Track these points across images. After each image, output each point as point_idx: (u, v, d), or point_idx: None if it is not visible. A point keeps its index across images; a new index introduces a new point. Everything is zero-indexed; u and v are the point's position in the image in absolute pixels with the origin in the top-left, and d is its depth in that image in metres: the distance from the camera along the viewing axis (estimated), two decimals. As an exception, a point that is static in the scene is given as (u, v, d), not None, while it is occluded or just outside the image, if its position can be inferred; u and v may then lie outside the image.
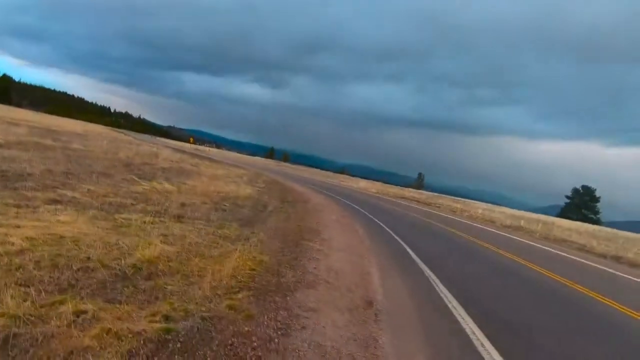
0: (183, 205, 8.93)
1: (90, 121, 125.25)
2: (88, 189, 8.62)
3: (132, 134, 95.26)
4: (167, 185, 12.00)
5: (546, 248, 13.74)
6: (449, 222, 17.02)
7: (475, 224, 19.33)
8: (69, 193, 7.65)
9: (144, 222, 6.25)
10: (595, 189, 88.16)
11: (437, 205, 32.07)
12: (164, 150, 36.21)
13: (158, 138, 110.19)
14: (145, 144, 45.80)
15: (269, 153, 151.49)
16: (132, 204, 7.98)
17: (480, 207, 40.66)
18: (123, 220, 6.09)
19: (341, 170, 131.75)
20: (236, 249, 5.25)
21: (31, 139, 19.86)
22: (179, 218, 7.34)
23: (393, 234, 9.49)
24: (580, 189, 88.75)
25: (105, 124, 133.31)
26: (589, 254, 15.39)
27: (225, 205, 10.09)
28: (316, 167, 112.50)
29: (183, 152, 44.07)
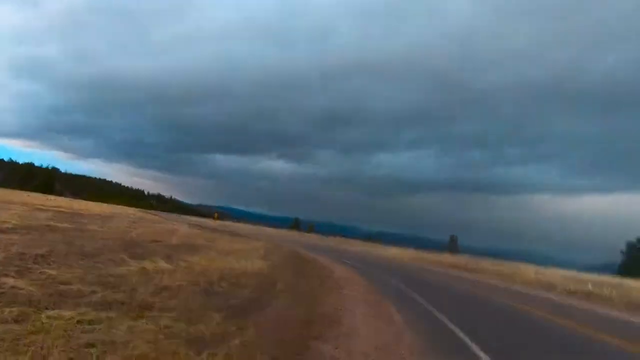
0: (163, 289, 6.99)
1: (125, 204, 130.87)
2: (48, 275, 6.92)
3: (162, 213, 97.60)
4: (162, 265, 10.19)
5: None
6: (505, 294, 13.95)
7: (537, 293, 15.99)
8: (11, 281, 5.95)
9: (78, 323, 4.33)
10: (653, 240, 79.56)
11: (481, 270, 28.29)
12: (183, 227, 35.24)
13: (184, 216, 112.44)
14: (169, 222, 45.47)
15: (294, 224, 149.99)
16: (92, 293, 6.14)
17: (529, 269, 36.00)
18: (46, 322, 4.20)
19: (369, 237, 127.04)
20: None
21: (46, 223, 19.22)
22: (143, 310, 5.38)
23: (443, 318, 6.93)
24: (636, 242, 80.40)
25: (139, 207, 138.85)
26: None
27: (221, 286, 8.06)
28: (343, 236, 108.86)
29: (204, 228, 43.13)
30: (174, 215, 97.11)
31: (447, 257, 44.84)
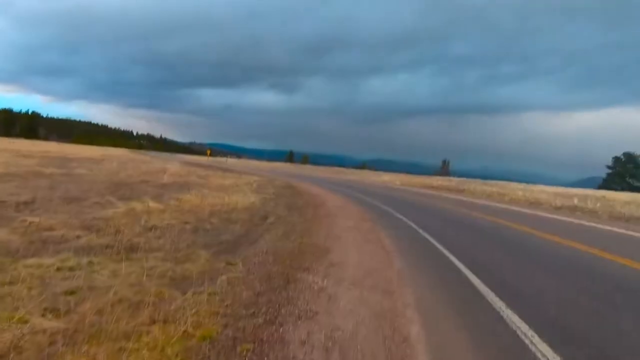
0: (151, 229, 6.88)
1: (115, 146, 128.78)
2: (30, 222, 6.73)
3: (152, 153, 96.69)
4: (151, 204, 10.04)
5: None
6: (493, 211, 14.29)
7: (523, 210, 16.44)
8: (-9, 231, 5.75)
9: (58, 270, 4.19)
10: (639, 155, 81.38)
11: (470, 191, 28.96)
12: (175, 165, 34.93)
13: (177, 155, 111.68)
14: (159, 161, 45.06)
15: (289, 157, 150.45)
16: (77, 237, 6.00)
17: (517, 188, 37.01)
18: (23, 270, 4.03)
19: (363, 165, 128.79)
20: (173, 310, 3.07)
21: (32, 169, 18.73)
22: (129, 252, 5.27)
23: (430, 238, 6.99)
24: (622, 156, 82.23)
25: (129, 147, 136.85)
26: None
27: (212, 223, 7.99)
28: (337, 166, 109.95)
29: (197, 165, 42.90)
30: (165, 155, 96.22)
31: (437, 180, 45.74)
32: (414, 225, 8.76)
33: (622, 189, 63.34)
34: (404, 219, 9.96)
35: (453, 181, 44.90)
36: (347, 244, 6.14)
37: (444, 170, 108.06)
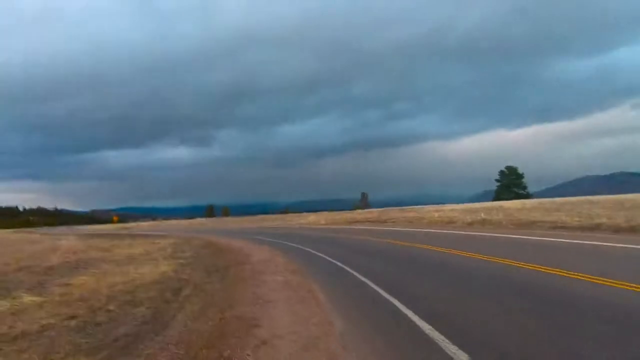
0: (13, 339, 5.14)
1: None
2: None
3: (44, 229, 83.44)
4: (26, 299, 7.92)
5: (546, 239, 11.60)
6: (421, 238, 14.59)
7: (443, 231, 17.24)
8: None
9: None
10: (517, 167, 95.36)
11: (392, 220, 30.08)
12: (70, 240, 30.09)
13: (77, 227, 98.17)
14: (50, 238, 38.58)
15: (208, 211, 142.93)
16: None
17: (431, 210, 39.77)
18: None
19: (286, 210, 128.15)
20: None
21: None
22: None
23: (372, 284, 6.37)
24: (505, 170, 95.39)
25: (15, 226, 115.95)
26: (582, 231, 13.92)
27: (108, 311, 6.41)
28: (261, 214, 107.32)
29: (100, 236, 37.78)
30: (61, 229, 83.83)
31: (360, 214, 47.02)
32: (347, 269, 8.21)
33: (511, 198, 72.49)
34: (336, 262, 9.39)
35: (374, 212, 46.57)
36: (277, 309, 5.25)
37: (364, 202, 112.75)
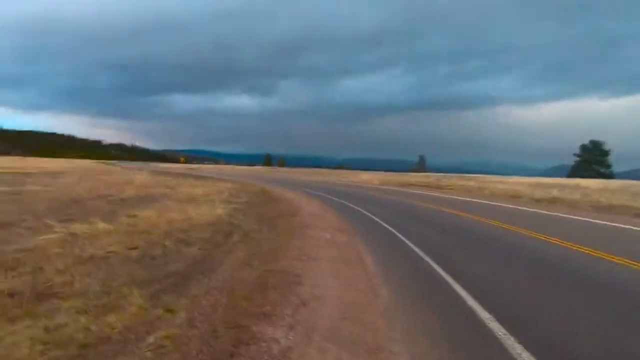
0: (83, 261, 5.64)
1: (83, 157, 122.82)
2: None
3: (123, 163, 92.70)
4: (99, 225, 8.71)
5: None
6: (482, 210, 13.60)
7: (508, 206, 15.90)
8: None
9: None
10: (604, 142, 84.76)
11: (450, 187, 28.61)
12: (143, 175, 32.95)
13: (151, 163, 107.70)
14: (127, 171, 42.68)
15: (266, 160, 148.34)
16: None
17: (495, 181, 37.12)
18: None
19: (340, 165, 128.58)
20: None
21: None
22: (39, 301, 4.06)
23: (426, 257, 5.98)
24: (589, 144, 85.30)
25: (98, 158, 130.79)
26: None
27: (164, 246, 6.79)
28: (315, 167, 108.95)
29: (168, 174, 40.96)
30: (137, 164, 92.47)
31: (416, 177, 45.49)
32: (400, 236, 7.81)
33: (590, 176, 65.45)
34: (388, 226, 9.01)
35: (431, 177, 44.76)
36: (321, 267, 5.10)
37: (421, 166, 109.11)
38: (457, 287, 4.34)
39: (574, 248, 6.74)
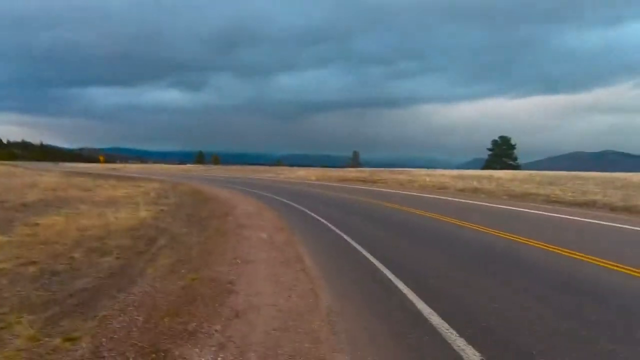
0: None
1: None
2: None
3: (27, 164, 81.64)
4: (-12, 238, 7.27)
5: (560, 215, 10.74)
6: (411, 201, 14.19)
7: (435, 197, 16.85)
8: None
9: None
10: (511, 138, 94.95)
11: (383, 181, 29.72)
12: (52, 177, 29.14)
13: (63, 164, 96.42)
14: (33, 173, 37.48)
15: (198, 158, 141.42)
16: None
17: (423, 174, 39.51)
18: None
19: (277, 162, 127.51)
20: None
21: None
22: None
23: (362, 250, 5.87)
24: (499, 139, 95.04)
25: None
26: (579, 207, 13.59)
27: (71, 258, 5.82)
28: (251, 164, 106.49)
29: (85, 175, 36.85)
30: (45, 164, 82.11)
31: (351, 172, 46.63)
32: (337, 231, 7.66)
33: (501, 168, 72.83)
34: (327, 223, 8.82)
35: (366, 172, 46.21)
36: (257, 271, 4.70)
37: (355, 161, 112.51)
38: (400, 284, 4.25)
39: (511, 238, 7.24)
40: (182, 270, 4.91)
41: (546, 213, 11.11)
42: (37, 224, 8.99)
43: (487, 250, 6.15)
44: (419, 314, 3.39)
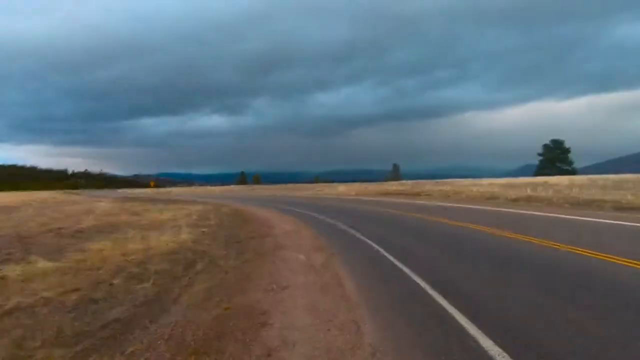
0: (5, 314, 4.60)
1: (46, 188, 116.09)
2: None
3: (88, 192, 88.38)
4: (41, 264, 7.59)
5: (628, 223, 9.51)
6: (463, 215, 13.20)
7: (489, 208, 15.67)
8: None
9: None
10: (564, 141, 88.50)
11: (427, 193, 28.49)
12: (107, 203, 31.04)
13: (119, 190, 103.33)
14: (91, 199, 40.32)
15: (241, 179, 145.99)
16: None
17: (468, 184, 37.54)
18: None
19: (316, 179, 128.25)
20: None
21: None
22: None
23: (415, 277, 5.15)
24: (550, 143, 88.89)
25: (63, 188, 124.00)
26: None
27: (111, 285, 5.80)
28: (291, 182, 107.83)
29: (136, 199, 38.98)
30: (103, 192, 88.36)
31: (392, 186, 45.45)
32: (383, 252, 6.99)
33: (554, 173, 67.80)
34: (369, 241, 8.19)
35: (407, 184, 44.88)
36: (294, 298, 4.32)
37: (396, 174, 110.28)
38: (457, 315, 3.62)
39: (604, 258, 6.26)
40: (217, 298, 4.65)
41: (627, 223, 9.62)
42: (86, 250, 9.31)
43: (578, 275, 4.87)
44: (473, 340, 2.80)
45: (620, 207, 13.52)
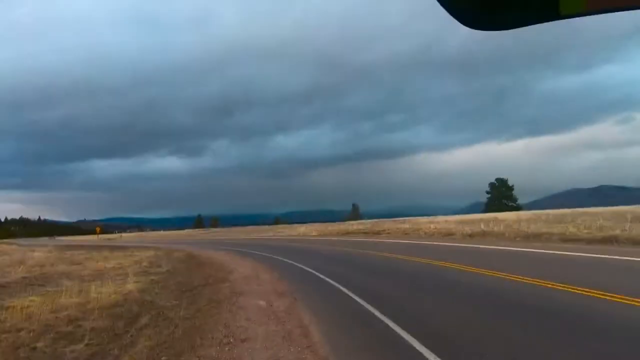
0: None
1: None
2: None
3: (23, 240, 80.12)
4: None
5: (584, 254, 9.76)
6: (422, 251, 13.25)
7: (445, 244, 15.95)
8: None
9: None
10: (507, 179, 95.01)
11: (387, 232, 28.72)
12: (44, 253, 28.00)
13: (59, 238, 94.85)
14: (24, 249, 36.27)
15: (197, 222, 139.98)
16: None
17: (425, 222, 38.56)
18: None
19: (277, 220, 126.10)
20: None
21: None
22: None
23: (382, 317, 4.75)
24: (496, 182, 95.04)
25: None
26: (602, 244, 12.68)
27: (32, 350, 4.88)
28: (251, 225, 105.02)
29: (78, 247, 35.64)
30: (41, 240, 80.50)
31: (352, 225, 45.50)
32: (348, 293, 6.59)
33: (502, 210, 71.72)
34: (334, 283, 7.78)
35: (367, 224, 45.21)
36: (254, 353, 3.81)
37: (355, 213, 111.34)
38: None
39: (571, 290, 6.28)
40: (162, 357, 4.01)
41: (576, 253, 9.97)
42: (9, 307, 8.03)
43: (545, 309, 4.76)
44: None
45: (565, 239, 14.30)
